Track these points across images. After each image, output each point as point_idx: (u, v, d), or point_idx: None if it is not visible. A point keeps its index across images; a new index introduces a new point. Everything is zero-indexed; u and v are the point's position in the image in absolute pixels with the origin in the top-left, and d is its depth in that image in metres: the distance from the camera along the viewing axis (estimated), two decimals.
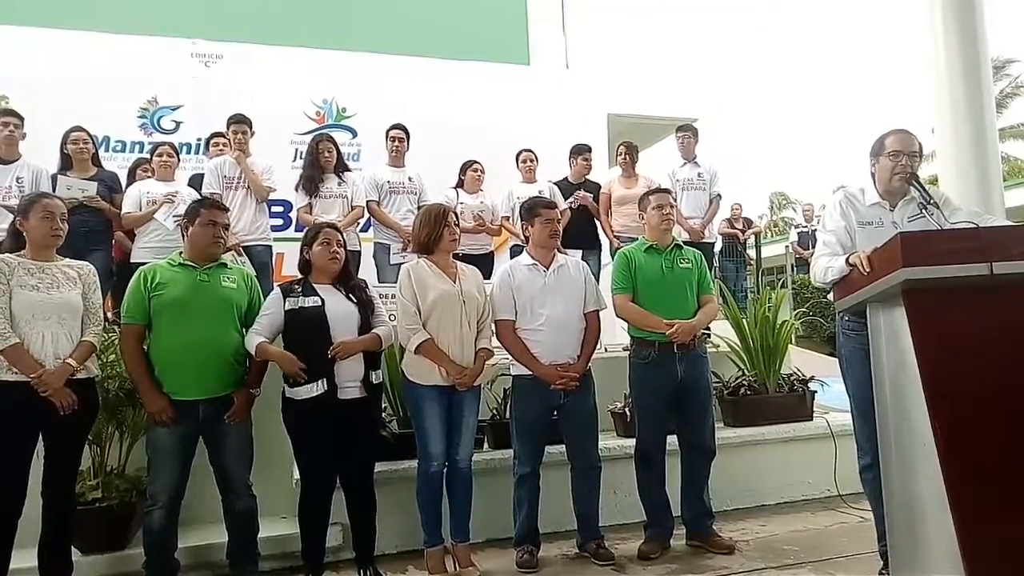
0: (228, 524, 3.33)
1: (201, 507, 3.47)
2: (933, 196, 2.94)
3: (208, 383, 3.21)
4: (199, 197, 3.80)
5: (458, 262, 3.78)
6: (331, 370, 3.30)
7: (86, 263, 3.40)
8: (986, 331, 2.33)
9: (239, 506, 3.29)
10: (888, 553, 2.89)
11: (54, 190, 4.88)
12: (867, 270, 2.70)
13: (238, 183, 5.35)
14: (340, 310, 3.40)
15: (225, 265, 3.43)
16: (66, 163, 5.11)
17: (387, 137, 5.85)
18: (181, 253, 3.38)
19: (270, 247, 5.57)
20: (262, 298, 3.50)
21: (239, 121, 5.43)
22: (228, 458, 3.27)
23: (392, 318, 3.78)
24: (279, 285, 3.59)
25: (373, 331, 3.43)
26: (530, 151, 6.24)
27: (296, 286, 3.47)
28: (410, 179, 5.82)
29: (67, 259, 3.34)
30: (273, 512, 3.99)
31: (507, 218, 6.08)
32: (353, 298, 3.47)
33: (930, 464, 2.31)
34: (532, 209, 3.88)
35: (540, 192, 5.54)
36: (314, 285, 3.46)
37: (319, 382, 3.28)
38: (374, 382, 3.44)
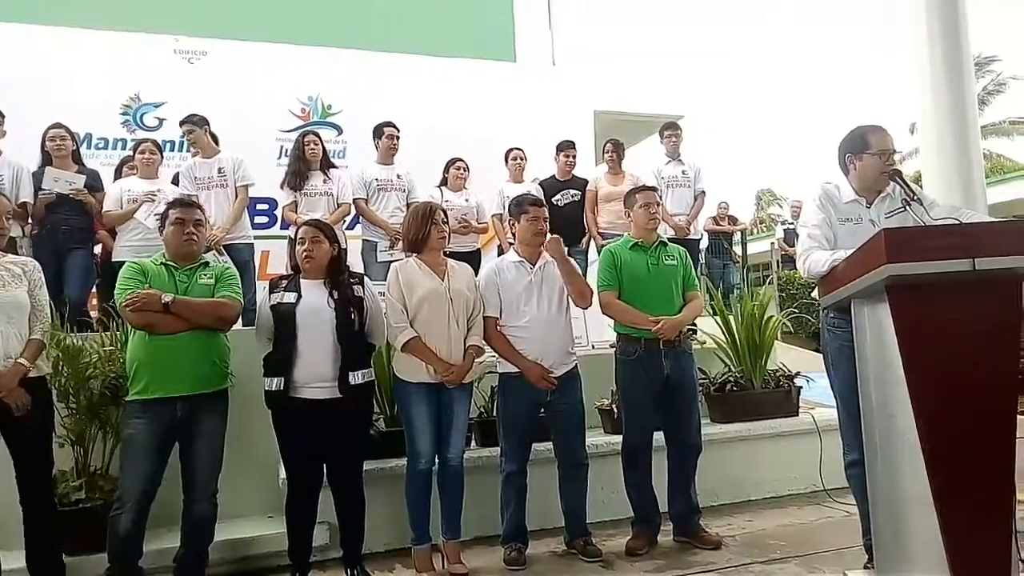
0: (183, 527, 3.24)
1: (171, 509, 3.32)
2: (916, 193, 2.96)
3: (187, 380, 3.16)
4: (171, 199, 3.75)
5: (449, 259, 3.77)
6: (289, 369, 3.29)
7: (30, 259, 3.37)
8: (969, 326, 2.35)
9: (198, 511, 3.20)
10: (872, 548, 2.91)
11: (40, 187, 4.85)
12: None
13: (210, 183, 5.30)
14: (313, 309, 3.35)
15: (206, 264, 3.40)
16: (46, 160, 5.05)
17: (381, 135, 5.79)
18: (164, 253, 3.36)
19: (251, 245, 5.52)
20: (237, 289, 3.43)
21: (185, 122, 5.36)
22: (198, 460, 3.20)
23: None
24: (269, 281, 3.57)
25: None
26: (520, 150, 6.25)
27: (283, 281, 3.46)
28: (398, 176, 5.79)
29: (10, 256, 3.31)
30: (260, 511, 3.99)
31: (499, 216, 6.08)
32: (335, 296, 3.42)
33: (914, 460, 2.32)
34: (520, 206, 3.87)
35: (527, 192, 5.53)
36: (301, 281, 3.44)
37: (278, 379, 3.29)
38: (352, 383, 3.35)
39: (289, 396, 3.29)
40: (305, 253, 3.45)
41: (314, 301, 3.38)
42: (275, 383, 3.29)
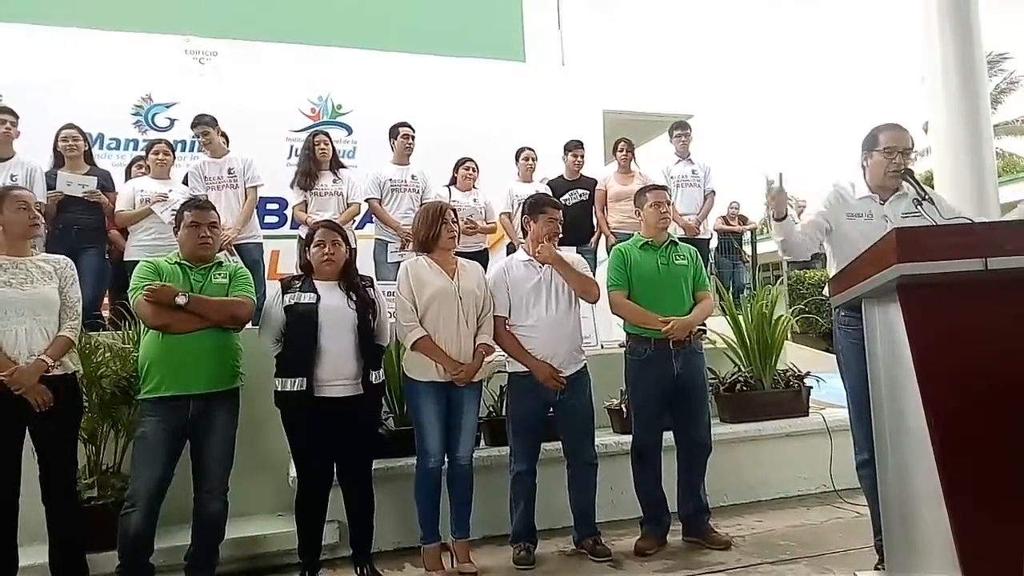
0: (194, 525, 3.26)
1: (181, 506, 3.35)
2: (927, 192, 2.95)
3: (199, 379, 3.18)
4: (186, 200, 3.78)
5: (459, 258, 3.78)
6: (311, 369, 3.30)
7: (63, 257, 3.37)
8: (981, 326, 2.34)
9: (210, 507, 3.22)
10: (883, 549, 2.90)
11: (53, 187, 4.89)
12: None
13: (220, 183, 5.32)
14: (335, 308, 3.39)
15: (220, 263, 3.43)
16: (58, 161, 5.09)
17: (397, 135, 5.81)
18: (178, 253, 3.38)
19: (260, 245, 5.55)
20: (250, 288, 3.45)
21: (197, 123, 5.38)
22: (209, 458, 3.22)
23: (390, 315, 3.79)
24: (280, 281, 3.58)
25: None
26: (531, 150, 6.24)
27: (296, 282, 3.47)
28: (413, 177, 5.81)
29: (43, 254, 3.32)
30: (270, 509, 4.01)
31: (508, 215, 6.08)
32: (353, 296, 3.46)
33: (925, 460, 2.31)
34: (537, 205, 3.87)
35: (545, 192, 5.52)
36: (315, 282, 3.46)
37: (300, 379, 3.29)
38: (374, 382, 3.43)
39: (312, 396, 3.30)
40: (325, 256, 3.47)
41: (333, 302, 3.41)
42: (297, 383, 3.29)
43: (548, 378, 3.64)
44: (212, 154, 5.41)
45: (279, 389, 3.36)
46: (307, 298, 3.38)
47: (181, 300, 3.14)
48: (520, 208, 4.32)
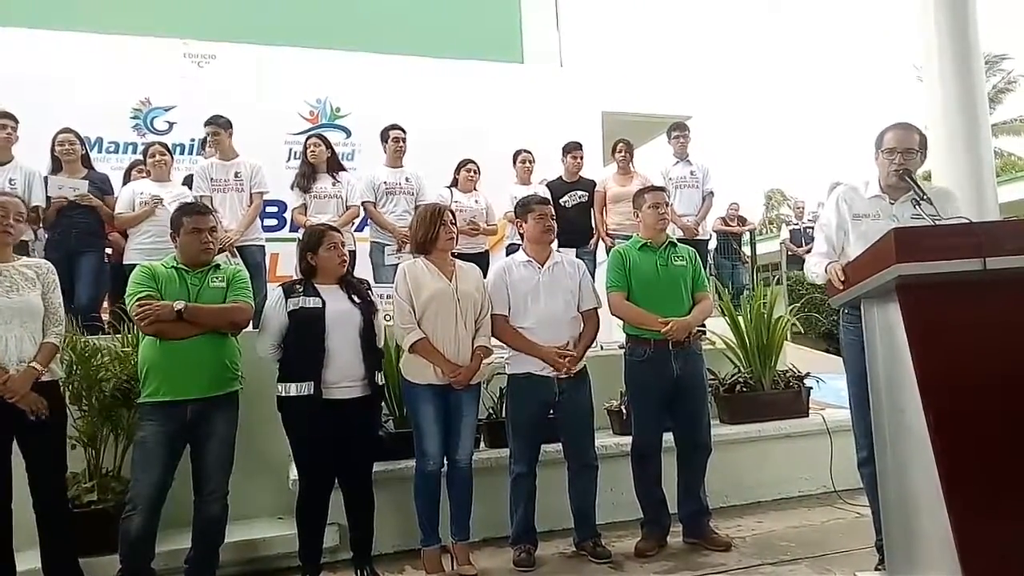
0: (194, 529, 3.25)
1: (181, 510, 3.32)
2: (927, 192, 2.95)
3: (198, 383, 3.17)
4: (180, 205, 3.76)
5: (457, 260, 3.78)
6: (319, 372, 3.30)
7: (44, 261, 3.36)
8: (979, 326, 2.34)
9: (210, 511, 3.22)
10: (884, 548, 2.90)
11: (46, 191, 4.89)
12: (841, 282, 2.87)
13: (226, 186, 5.34)
14: (341, 311, 3.41)
15: (217, 267, 3.42)
16: (56, 165, 5.09)
17: (388, 138, 5.81)
18: (175, 257, 3.37)
19: (263, 247, 5.55)
20: (248, 292, 3.44)
21: (210, 123, 5.39)
22: (208, 461, 3.21)
23: (387, 318, 3.79)
24: (281, 286, 3.57)
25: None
26: (528, 152, 6.25)
27: (298, 286, 3.48)
28: (407, 179, 5.80)
29: (24, 258, 3.30)
30: (270, 512, 4.00)
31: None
32: (356, 299, 3.48)
33: (924, 459, 2.31)
34: (526, 206, 3.89)
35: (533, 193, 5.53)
36: (316, 286, 3.47)
37: (308, 383, 3.29)
38: (379, 383, 3.46)
39: (320, 399, 3.30)
40: (341, 259, 3.53)
41: (339, 305, 3.43)
42: (305, 388, 3.30)
43: (554, 358, 3.63)
44: (221, 156, 5.41)
45: (284, 394, 3.36)
46: (312, 302, 3.39)
47: (178, 306, 3.13)
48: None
